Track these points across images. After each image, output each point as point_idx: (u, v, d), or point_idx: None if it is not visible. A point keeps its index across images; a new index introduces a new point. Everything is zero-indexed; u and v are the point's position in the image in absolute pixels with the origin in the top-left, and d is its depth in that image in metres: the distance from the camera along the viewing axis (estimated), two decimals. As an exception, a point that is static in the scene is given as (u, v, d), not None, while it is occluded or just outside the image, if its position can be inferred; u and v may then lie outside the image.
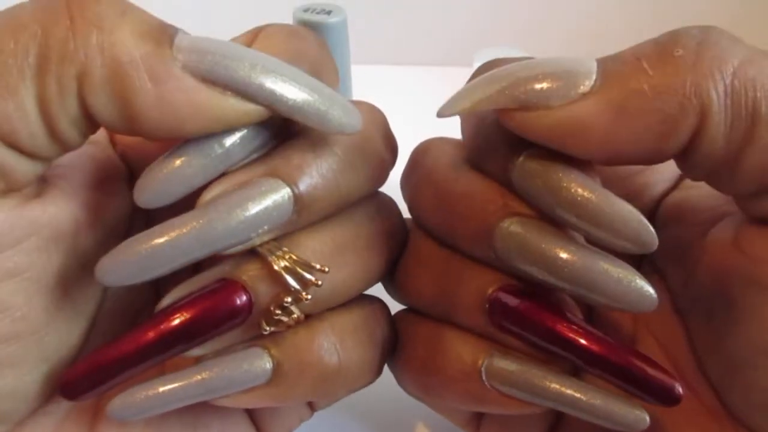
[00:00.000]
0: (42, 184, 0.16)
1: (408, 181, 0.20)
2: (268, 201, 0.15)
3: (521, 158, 0.16)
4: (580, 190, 0.15)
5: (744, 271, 0.16)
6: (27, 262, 0.16)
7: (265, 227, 0.16)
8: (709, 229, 0.18)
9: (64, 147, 0.15)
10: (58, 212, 0.16)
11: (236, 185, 0.16)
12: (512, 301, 0.16)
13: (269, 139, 0.16)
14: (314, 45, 0.18)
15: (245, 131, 0.16)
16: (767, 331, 0.16)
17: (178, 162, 0.15)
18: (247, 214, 0.15)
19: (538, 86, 0.15)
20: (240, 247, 0.16)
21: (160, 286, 0.20)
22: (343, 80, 0.34)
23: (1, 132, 0.14)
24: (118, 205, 0.18)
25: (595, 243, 0.15)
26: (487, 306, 0.17)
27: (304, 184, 0.16)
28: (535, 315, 0.16)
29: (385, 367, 0.20)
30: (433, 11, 0.51)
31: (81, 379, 0.16)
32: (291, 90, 0.15)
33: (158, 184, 0.15)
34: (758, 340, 0.16)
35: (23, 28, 0.14)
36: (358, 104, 0.19)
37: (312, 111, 0.15)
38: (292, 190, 0.16)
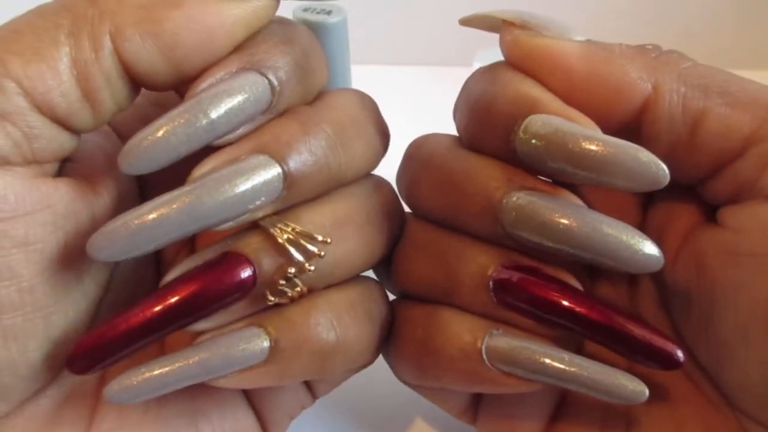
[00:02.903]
0: (59, 172, 0.17)
1: (405, 172, 0.20)
2: (258, 177, 0.16)
3: (523, 124, 0.16)
4: (586, 143, 0.15)
5: (722, 245, 0.17)
6: (39, 234, 0.16)
7: (255, 204, 0.16)
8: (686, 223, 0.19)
9: (96, 112, 0.16)
10: (72, 192, 0.17)
11: (226, 161, 0.16)
12: (516, 276, 0.17)
13: (256, 114, 0.17)
14: (304, 32, 0.18)
15: (231, 103, 0.16)
16: (752, 301, 0.16)
17: (162, 130, 0.15)
18: (237, 190, 0.15)
19: (541, 19, 0.17)
20: (231, 224, 0.16)
21: (164, 276, 0.20)
22: (343, 80, 0.34)
23: (34, 93, 0.15)
24: (128, 192, 0.19)
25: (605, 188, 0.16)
26: (490, 283, 0.17)
27: (293, 161, 0.16)
28: (539, 289, 0.17)
29: (384, 365, 0.20)
30: (433, 11, 0.51)
31: (88, 352, 0.16)
32: None
33: (142, 151, 0.15)
34: (744, 312, 0.16)
35: (50, 9, 0.16)
36: (349, 90, 0.19)
37: None
38: (282, 167, 0.16)
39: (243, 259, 0.16)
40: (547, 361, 0.17)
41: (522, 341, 0.17)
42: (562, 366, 0.17)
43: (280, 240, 0.16)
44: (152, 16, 0.15)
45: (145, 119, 0.19)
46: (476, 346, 0.17)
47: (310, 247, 0.16)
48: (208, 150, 0.16)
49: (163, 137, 0.15)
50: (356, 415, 0.25)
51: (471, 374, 0.18)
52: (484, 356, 0.17)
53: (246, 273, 0.16)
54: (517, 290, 0.17)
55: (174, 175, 0.16)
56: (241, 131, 0.16)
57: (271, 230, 0.16)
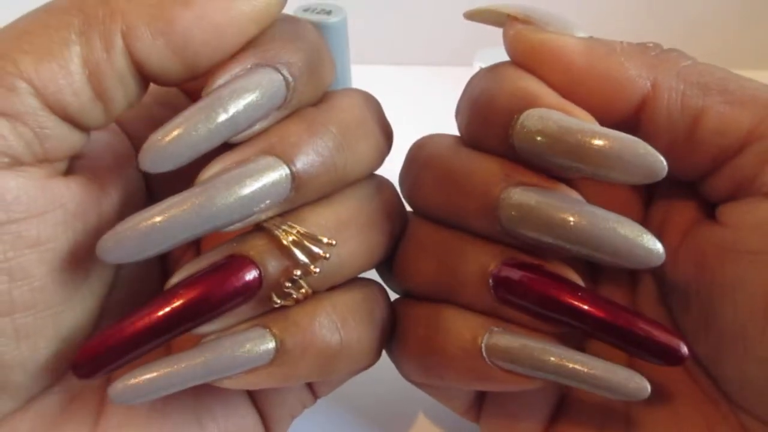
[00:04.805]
0: (68, 170, 0.17)
1: (408, 173, 0.20)
2: (266, 178, 0.16)
3: (520, 118, 0.16)
4: (583, 135, 0.15)
5: (721, 242, 0.17)
6: (50, 234, 0.16)
7: (263, 204, 0.16)
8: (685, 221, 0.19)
9: (107, 109, 0.16)
10: (82, 191, 0.17)
11: (235, 163, 0.16)
12: (515, 273, 0.17)
13: (272, 110, 0.17)
14: (312, 30, 0.19)
15: (249, 99, 0.16)
16: (750, 298, 0.16)
17: (183, 127, 0.15)
18: (246, 191, 0.16)
19: (544, 14, 0.18)
20: (239, 225, 0.16)
21: (170, 273, 0.20)
22: (343, 80, 0.34)
23: (45, 92, 0.15)
24: (136, 190, 0.19)
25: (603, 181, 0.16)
26: (490, 281, 0.17)
27: (301, 162, 0.16)
28: (539, 286, 0.17)
29: (388, 361, 0.20)
30: (433, 11, 0.51)
31: (93, 357, 0.16)
32: None
33: (163, 147, 0.15)
34: (743, 309, 0.16)
35: (60, 7, 0.15)
36: (353, 91, 0.19)
37: None
38: (290, 168, 0.16)
39: (248, 262, 0.16)
40: (547, 357, 0.16)
41: (521, 338, 0.17)
42: (561, 362, 0.16)
43: (285, 242, 0.16)
44: (163, 15, 0.15)
45: (152, 119, 0.19)
46: (476, 343, 0.17)
47: (315, 249, 0.16)
48: (216, 152, 0.16)
49: (184, 133, 0.15)
50: (358, 412, 0.25)
51: (472, 372, 0.18)
52: (484, 354, 0.17)
53: (251, 275, 0.16)
54: (517, 288, 0.17)
55: (181, 175, 0.16)
56: (257, 127, 0.17)
57: (276, 232, 0.16)
